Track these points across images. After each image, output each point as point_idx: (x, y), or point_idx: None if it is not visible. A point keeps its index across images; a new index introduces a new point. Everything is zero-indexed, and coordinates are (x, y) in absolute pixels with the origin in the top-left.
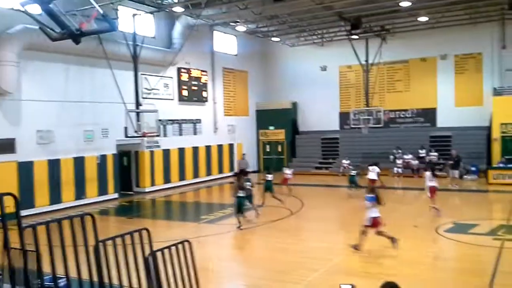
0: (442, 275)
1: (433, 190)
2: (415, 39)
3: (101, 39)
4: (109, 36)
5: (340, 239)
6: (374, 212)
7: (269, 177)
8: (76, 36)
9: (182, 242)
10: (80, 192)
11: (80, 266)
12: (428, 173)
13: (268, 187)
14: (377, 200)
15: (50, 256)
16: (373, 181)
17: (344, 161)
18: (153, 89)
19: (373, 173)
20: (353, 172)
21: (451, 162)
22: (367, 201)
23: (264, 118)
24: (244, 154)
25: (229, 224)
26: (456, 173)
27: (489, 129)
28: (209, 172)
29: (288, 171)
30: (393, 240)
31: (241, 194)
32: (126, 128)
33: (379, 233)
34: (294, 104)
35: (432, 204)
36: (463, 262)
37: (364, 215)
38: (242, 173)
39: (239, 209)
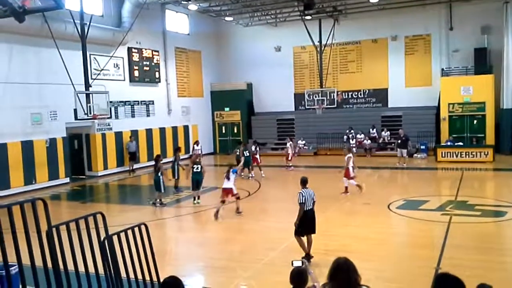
0: (395, 249)
1: None
2: (366, 20)
3: (46, 17)
4: (55, 14)
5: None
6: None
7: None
8: (19, 14)
9: (138, 225)
10: (29, 177)
11: (33, 252)
12: None
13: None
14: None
15: (0, 244)
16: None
17: (299, 141)
18: (102, 69)
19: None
20: (247, 153)
21: (398, 141)
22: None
23: (219, 99)
24: (131, 136)
25: (185, 207)
26: (404, 152)
27: (437, 108)
28: (164, 155)
29: (197, 147)
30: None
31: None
32: (75, 110)
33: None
34: (249, 85)
35: None
36: (414, 237)
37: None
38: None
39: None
